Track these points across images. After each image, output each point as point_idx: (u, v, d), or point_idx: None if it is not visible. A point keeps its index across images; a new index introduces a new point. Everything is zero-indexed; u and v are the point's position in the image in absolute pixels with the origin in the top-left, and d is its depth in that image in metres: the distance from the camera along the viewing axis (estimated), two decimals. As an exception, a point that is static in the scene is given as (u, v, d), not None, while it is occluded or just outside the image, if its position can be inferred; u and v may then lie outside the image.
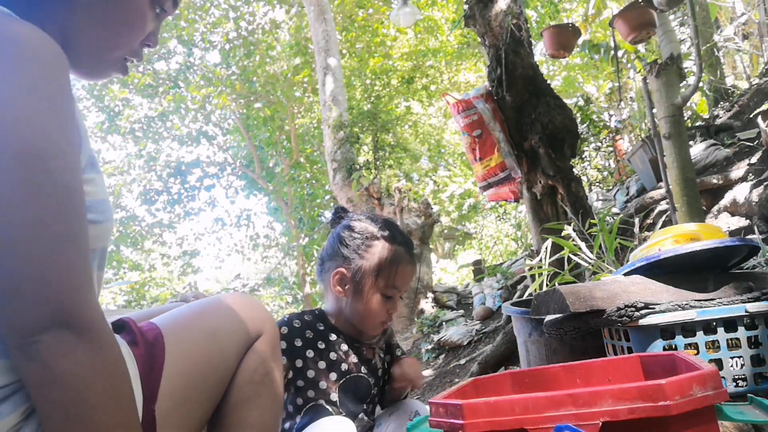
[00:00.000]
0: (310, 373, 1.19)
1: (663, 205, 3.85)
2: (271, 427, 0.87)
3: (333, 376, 1.21)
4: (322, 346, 1.23)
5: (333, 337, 1.26)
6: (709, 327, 1.21)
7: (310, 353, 1.21)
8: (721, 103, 5.79)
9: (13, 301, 0.60)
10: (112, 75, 0.87)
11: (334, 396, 1.20)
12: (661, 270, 1.39)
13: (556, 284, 2.20)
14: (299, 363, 1.19)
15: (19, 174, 0.60)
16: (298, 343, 1.21)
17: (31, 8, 0.73)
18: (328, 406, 1.18)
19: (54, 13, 0.75)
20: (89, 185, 0.71)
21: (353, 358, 1.26)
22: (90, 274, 0.66)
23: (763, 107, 4.27)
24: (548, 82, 3.24)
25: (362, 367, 1.26)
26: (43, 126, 0.62)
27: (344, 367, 1.23)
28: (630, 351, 1.25)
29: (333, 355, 1.23)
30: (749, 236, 2.49)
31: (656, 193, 4.12)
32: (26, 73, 0.62)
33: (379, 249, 1.25)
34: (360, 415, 1.22)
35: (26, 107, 0.61)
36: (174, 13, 0.89)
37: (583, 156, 5.96)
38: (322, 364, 1.21)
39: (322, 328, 1.26)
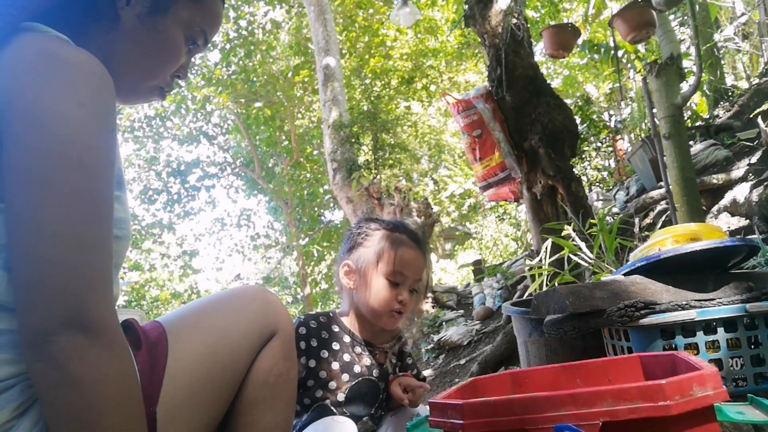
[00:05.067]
0: (322, 374, 1.20)
1: (663, 205, 3.85)
2: (284, 429, 0.86)
3: (345, 377, 1.22)
4: (336, 347, 1.24)
5: (347, 339, 1.27)
6: (709, 327, 1.21)
7: (324, 354, 1.22)
8: (721, 103, 5.79)
9: (31, 298, 0.61)
10: (147, 100, 0.93)
11: (341, 397, 1.20)
12: (661, 270, 1.39)
13: (556, 284, 2.20)
14: (312, 363, 1.20)
15: (61, 176, 0.64)
16: (314, 343, 1.22)
17: (82, 36, 0.79)
18: (333, 407, 1.18)
19: (99, 41, 0.82)
20: (115, 202, 0.73)
21: (366, 361, 1.26)
22: (110, 280, 0.67)
23: (763, 107, 4.27)
24: (548, 82, 3.25)
25: (374, 371, 1.26)
26: (88, 136, 0.67)
27: (357, 369, 1.24)
28: (630, 351, 1.25)
29: (347, 357, 1.24)
30: (749, 236, 2.49)
31: (656, 193, 4.12)
32: (78, 90, 0.68)
33: (380, 236, 1.28)
34: (365, 418, 1.22)
35: (76, 119, 0.66)
36: (205, 49, 0.94)
37: (583, 156, 5.95)
38: (335, 365, 1.22)
39: (336, 329, 1.27)
